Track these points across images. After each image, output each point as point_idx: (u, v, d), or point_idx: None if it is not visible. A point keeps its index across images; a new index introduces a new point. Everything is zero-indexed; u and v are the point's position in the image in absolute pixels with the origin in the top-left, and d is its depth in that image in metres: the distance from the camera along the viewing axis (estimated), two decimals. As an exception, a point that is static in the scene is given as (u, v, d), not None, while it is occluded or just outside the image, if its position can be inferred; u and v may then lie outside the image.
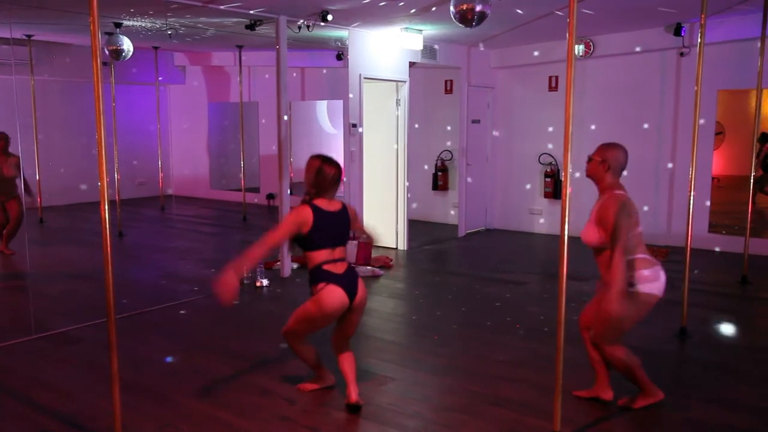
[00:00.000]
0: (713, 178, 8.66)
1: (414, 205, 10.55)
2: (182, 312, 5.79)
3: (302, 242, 3.74)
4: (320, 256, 3.72)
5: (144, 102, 13.58)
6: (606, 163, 3.71)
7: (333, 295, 3.66)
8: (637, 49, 8.64)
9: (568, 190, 3.35)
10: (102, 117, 3.04)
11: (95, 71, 2.99)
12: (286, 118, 7.00)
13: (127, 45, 7.69)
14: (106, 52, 7.93)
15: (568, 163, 3.37)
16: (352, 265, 3.87)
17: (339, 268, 3.73)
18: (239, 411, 3.77)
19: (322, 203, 3.73)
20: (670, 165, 8.66)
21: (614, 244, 3.50)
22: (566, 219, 3.34)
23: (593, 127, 9.20)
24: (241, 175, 11.54)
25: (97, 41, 2.99)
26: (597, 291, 3.83)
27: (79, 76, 11.97)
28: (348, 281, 3.72)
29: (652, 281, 3.58)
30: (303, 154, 15.07)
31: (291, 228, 3.67)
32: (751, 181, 6.82)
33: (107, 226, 3.10)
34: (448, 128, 10.25)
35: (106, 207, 3.09)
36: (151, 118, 13.28)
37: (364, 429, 3.55)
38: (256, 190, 13.21)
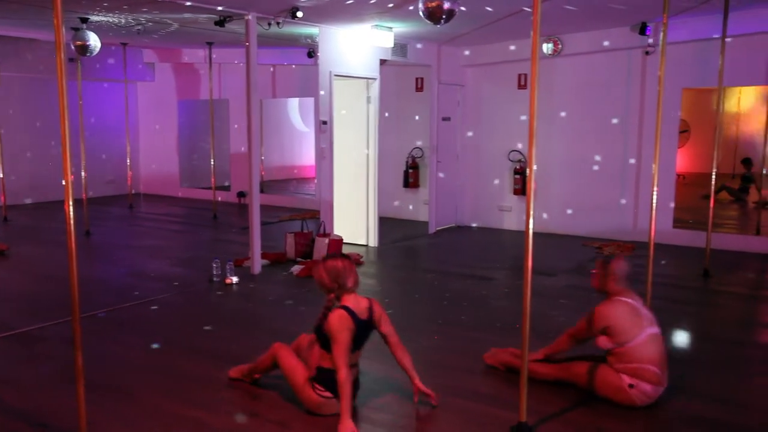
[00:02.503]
0: (679, 176, 8.84)
1: (386, 203, 10.60)
2: (151, 309, 5.74)
3: (328, 344, 3.59)
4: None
5: (112, 99, 13.43)
6: (611, 275, 3.90)
7: (329, 409, 3.60)
8: (605, 45, 8.79)
9: (533, 186, 3.42)
10: (66, 113, 3.01)
11: (59, 67, 2.97)
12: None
13: (93, 40, 7.60)
14: (72, 48, 7.83)
15: (533, 159, 3.45)
16: (358, 376, 3.79)
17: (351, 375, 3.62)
18: (206, 407, 3.76)
19: (355, 308, 3.63)
20: (633, 161, 8.82)
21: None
22: (531, 214, 3.41)
23: (562, 124, 9.34)
24: (212, 174, 11.48)
25: (61, 36, 2.97)
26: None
27: (46, 72, 11.79)
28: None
29: (648, 397, 3.73)
30: (274, 153, 15.05)
31: (350, 336, 3.54)
32: (713, 178, 6.98)
33: (72, 222, 3.07)
34: (419, 126, 10.30)
35: (71, 204, 3.06)
36: (120, 116, 13.14)
37: (331, 423, 3.56)
38: (226, 188, 13.14)
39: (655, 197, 5.24)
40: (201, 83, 13.18)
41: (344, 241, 7.89)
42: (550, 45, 9.05)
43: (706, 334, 5.18)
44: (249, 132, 6.98)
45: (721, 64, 6.81)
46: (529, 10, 6.93)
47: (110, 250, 8.38)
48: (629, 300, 3.84)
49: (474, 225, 10.25)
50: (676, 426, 3.59)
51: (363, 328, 3.65)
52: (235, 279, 6.57)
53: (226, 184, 13.22)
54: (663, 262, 7.38)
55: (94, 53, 7.73)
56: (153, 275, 6.98)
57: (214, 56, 11.20)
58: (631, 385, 3.69)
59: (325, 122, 7.80)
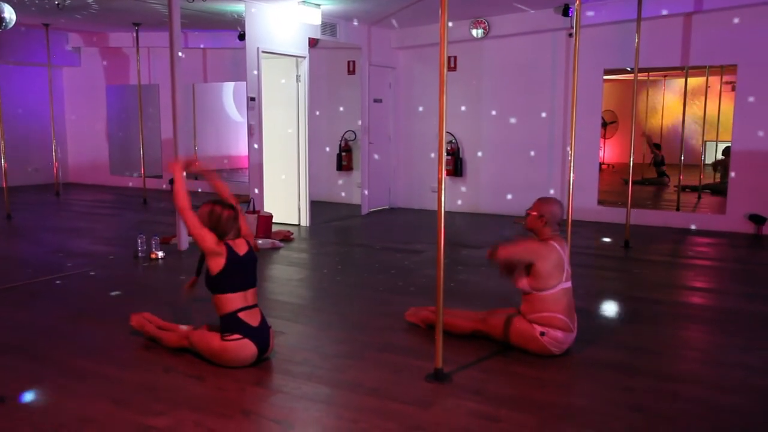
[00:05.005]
0: (609, 165, 9.13)
1: (319, 186, 10.58)
2: (71, 281, 5.59)
3: (213, 284, 3.65)
4: (234, 301, 3.63)
5: (36, 85, 12.97)
6: (543, 218, 3.94)
7: (244, 351, 3.60)
8: (530, 27, 9.00)
9: (444, 174, 3.55)
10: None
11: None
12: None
13: (8, 13, 7.32)
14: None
15: (443, 144, 3.56)
16: (264, 316, 3.78)
17: (254, 319, 3.66)
18: (123, 364, 3.71)
19: (232, 244, 3.68)
20: (559, 141, 9.06)
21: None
22: (443, 193, 3.55)
23: (492, 105, 9.52)
24: (141, 160, 11.23)
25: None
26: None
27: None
28: (262, 336, 3.67)
29: (560, 344, 3.84)
30: (210, 142, 14.80)
31: (207, 231, 3.61)
32: (631, 162, 7.25)
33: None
34: (352, 109, 10.32)
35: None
36: (44, 102, 12.70)
37: (251, 376, 3.56)
38: (159, 175, 12.86)
39: (572, 179, 5.41)
40: (130, 68, 12.86)
41: (276, 221, 7.85)
42: (480, 30, 9.21)
43: (623, 294, 5.38)
44: (174, 115, 6.81)
45: (637, 42, 7.08)
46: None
47: (32, 232, 8.11)
48: (560, 249, 3.91)
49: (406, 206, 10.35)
50: (585, 369, 3.72)
51: (243, 263, 3.69)
52: (161, 254, 6.46)
53: (160, 172, 12.93)
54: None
55: (10, 26, 7.44)
56: (76, 252, 6.79)
57: (142, 40, 10.96)
58: (542, 333, 3.81)
59: (253, 99, 7.73)
